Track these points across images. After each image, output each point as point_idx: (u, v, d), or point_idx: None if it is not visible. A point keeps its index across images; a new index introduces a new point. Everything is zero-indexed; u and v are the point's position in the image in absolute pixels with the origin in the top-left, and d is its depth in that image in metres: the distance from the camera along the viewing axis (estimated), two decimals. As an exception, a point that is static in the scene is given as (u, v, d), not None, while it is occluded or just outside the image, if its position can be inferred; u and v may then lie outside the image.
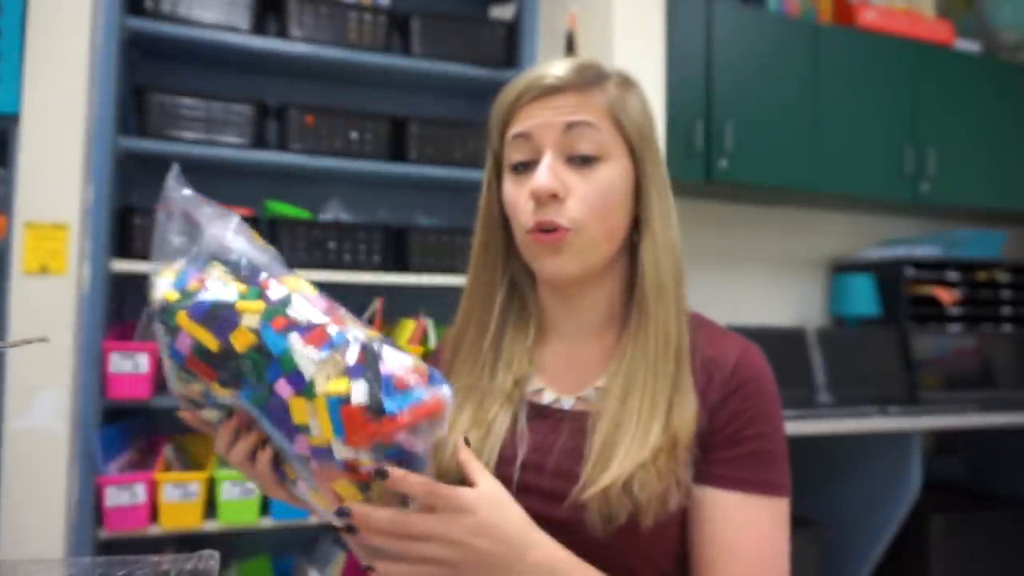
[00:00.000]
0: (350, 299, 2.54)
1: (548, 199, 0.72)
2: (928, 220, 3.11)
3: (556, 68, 0.74)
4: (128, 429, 1.88)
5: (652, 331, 0.73)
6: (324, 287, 2.22)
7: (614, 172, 0.74)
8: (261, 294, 0.60)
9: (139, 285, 2.04)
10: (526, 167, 0.74)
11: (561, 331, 0.81)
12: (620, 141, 0.75)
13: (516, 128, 0.75)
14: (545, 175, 0.71)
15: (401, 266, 2.07)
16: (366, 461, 0.57)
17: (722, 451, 0.71)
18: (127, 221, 1.83)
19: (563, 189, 0.72)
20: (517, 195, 0.75)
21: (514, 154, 0.75)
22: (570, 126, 0.72)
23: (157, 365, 1.79)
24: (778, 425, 0.76)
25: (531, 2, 2.21)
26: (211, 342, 0.58)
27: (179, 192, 0.63)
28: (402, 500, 0.62)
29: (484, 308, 0.81)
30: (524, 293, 0.82)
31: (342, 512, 0.60)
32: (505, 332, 0.80)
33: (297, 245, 1.95)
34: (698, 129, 2.31)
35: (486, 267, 0.81)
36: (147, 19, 1.86)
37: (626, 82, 0.78)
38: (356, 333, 0.61)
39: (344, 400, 0.56)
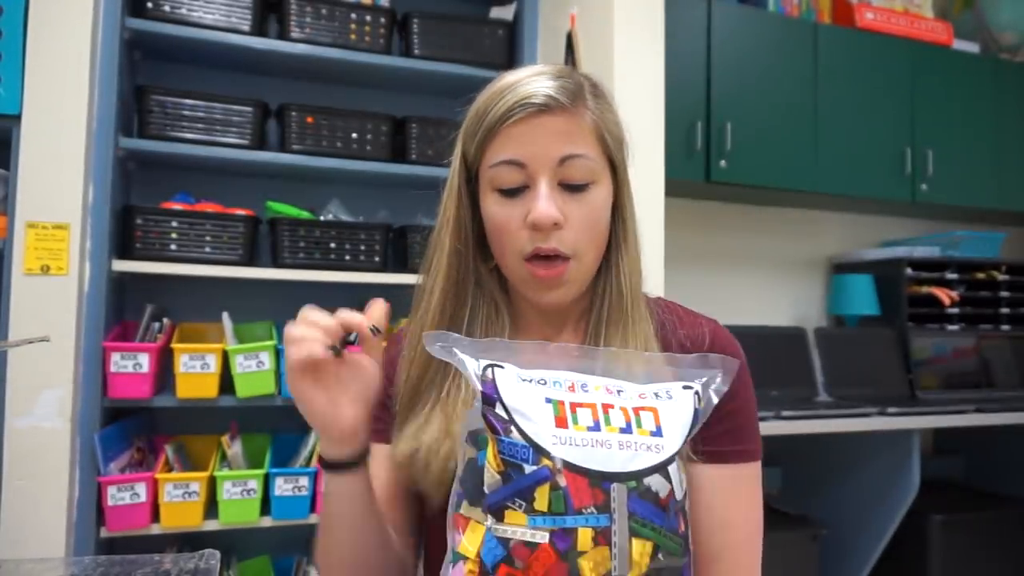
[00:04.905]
0: (350, 299, 2.53)
1: (550, 229, 0.71)
2: (927, 220, 3.11)
3: (543, 86, 0.72)
4: (129, 429, 1.88)
5: (627, 339, 0.76)
6: (324, 287, 2.22)
7: (602, 194, 0.75)
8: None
9: (140, 285, 2.06)
10: (514, 192, 0.73)
11: (534, 330, 0.82)
12: (604, 160, 0.75)
13: (505, 153, 0.72)
14: (548, 205, 0.71)
15: (401, 266, 2.07)
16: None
17: (710, 428, 0.72)
18: (128, 221, 1.83)
19: (562, 218, 0.72)
20: (508, 218, 0.73)
21: (502, 178, 0.73)
22: (564, 160, 0.72)
23: (157, 365, 1.80)
24: (752, 394, 0.79)
25: (531, 2, 2.21)
26: None
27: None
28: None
29: (456, 313, 0.78)
30: (494, 295, 0.80)
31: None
32: (475, 335, 0.78)
33: (297, 245, 1.95)
34: (698, 129, 2.32)
35: (458, 280, 0.78)
36: (148, 20, 1.87)
37: (597, 89, 0.77)
38: None
39: None
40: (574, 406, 0.58)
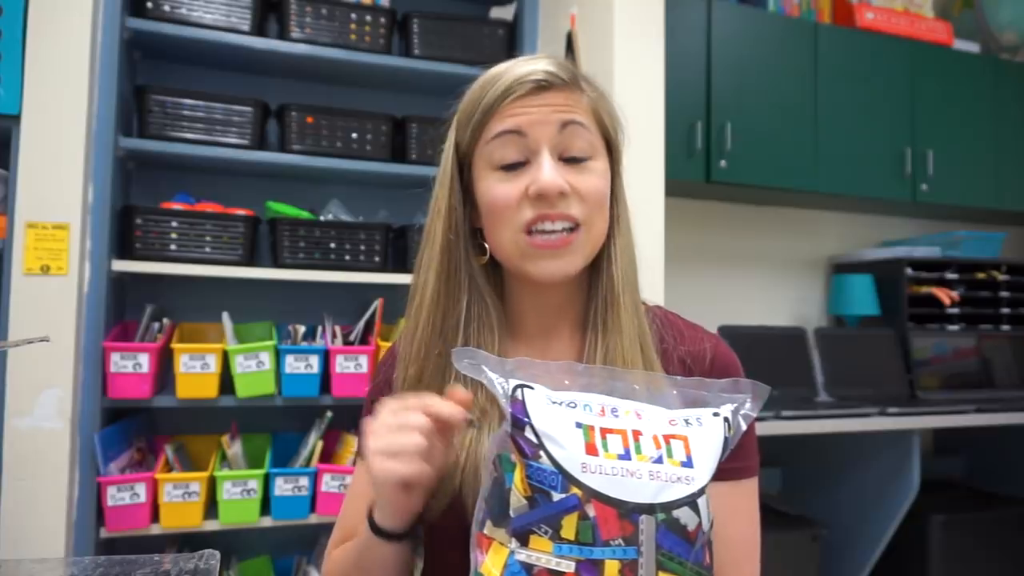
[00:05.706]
0: (350, 299, 2.51)
1: (556, 198, 0.71)
2: (927, 220, 3.11)
3: (541, 64, 0.72)
4: (129, 429, 1.88)
5: (622, 328, 0.75)
6: (324, 287, 2.22)
7: (601, 171, 0.75)
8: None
9: (140, 285, 2.05)
10: (514, 166, 0.72)
11: (529, 333, 0.80)
12: (601, 140, 0.75)
13: (504, 124, 0.71)
14: (552, 173, 0.70)
15: (401, 266, 2.07)
16: None
17: None
18: (128, 221, 1.83)
19: (568, 187, 0.71)
20: (509, 193, 0.72)
21: (502, 152, 0.72)
22: (565, 125, 0.71)
23: (157, 365, 1.80)
24: None
25: (531, 2, 2.21)
26: None
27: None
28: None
29: (450, 309, 0.75)
30: (484, 296, 0.77)
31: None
32: (468, 342, 0.76)
33: (297, 245, 1.95)
34: (698, 129, 2.32)
35: (450, 273, 0.75)
36: (148, 20, 1.86)
37: (590, 81, 0.77)
38: None
39: None
40: (604, 432, 0.57)
